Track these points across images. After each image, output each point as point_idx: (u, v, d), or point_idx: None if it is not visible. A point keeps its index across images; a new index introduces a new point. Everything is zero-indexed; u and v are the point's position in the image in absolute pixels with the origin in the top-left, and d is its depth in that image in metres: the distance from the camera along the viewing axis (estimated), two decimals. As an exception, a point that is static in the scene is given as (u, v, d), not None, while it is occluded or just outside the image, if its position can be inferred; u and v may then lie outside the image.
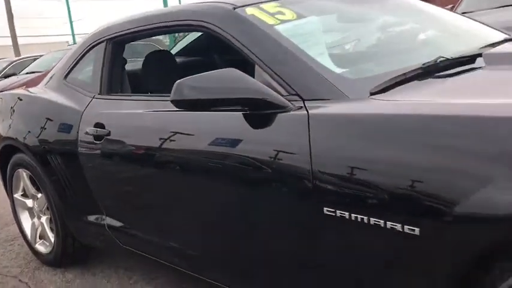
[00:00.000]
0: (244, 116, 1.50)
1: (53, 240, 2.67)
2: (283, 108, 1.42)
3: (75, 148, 2.24)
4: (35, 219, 2.79)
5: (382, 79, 1.39)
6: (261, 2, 1.77)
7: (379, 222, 1.17)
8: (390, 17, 2.09)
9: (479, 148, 1.05)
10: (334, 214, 1.26)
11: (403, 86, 1.40)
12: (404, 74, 1.41)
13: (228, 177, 1.58)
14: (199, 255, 1.87)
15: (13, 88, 6.08)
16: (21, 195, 2.82)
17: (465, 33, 2.03)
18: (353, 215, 1.22)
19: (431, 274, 1.12)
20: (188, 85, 1.45)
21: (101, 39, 2.27)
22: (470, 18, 2.39)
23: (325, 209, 1.28)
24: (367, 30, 1.93)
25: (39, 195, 2.68)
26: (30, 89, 2.81)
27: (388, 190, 1.15)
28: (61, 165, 2.38)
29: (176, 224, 1.92)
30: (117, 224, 2.20)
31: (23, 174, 2.68)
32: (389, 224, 1.15)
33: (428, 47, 1.85)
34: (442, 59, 1.48)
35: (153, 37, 9.51)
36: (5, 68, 11.53)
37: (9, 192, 2.88)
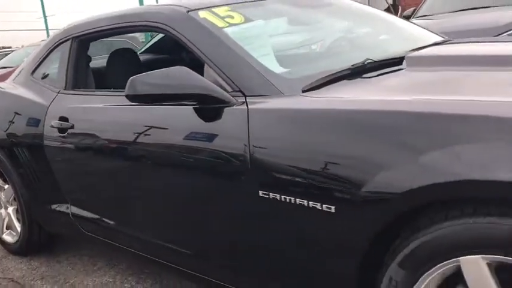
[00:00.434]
0: (194, 109, 1.66)
1: (19, 230, 2.77)
2: (227, 103, 1.58)
3: (41, 141, 2.36)
4: (2, 210, 2.89)
5: (314, 78, 1.57)
6: (214, 6, 1.93)
7: (303, 202, 1.35)
8: (334, 20, 2.28)
9: (384, 138, 1.22)
10: (268, 196, 1.43)
11: (334, 84, 1.58)
12: (333, 74, 1.59)
13: (178, 166, 1.73)
14: (155, 240, 2.01)
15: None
16: (-12, 187, 2.92)
17: (401, 36, 2.22)
18: (283, 196, 1.39)
19: (345, 246, 1.30)
20: (141, 81, 1.60)
21: (67, 38, 2.40)
22: (411, 22, 2.60)
23: (260, 192, 1.45)
24: (311, 33, 2.11)
25: (6, 186, 2.78)
26: (-2, 84, 2.90)
27: (311, 174, 1.33)
28: (28, 157, 2.50)
29: (134, 211, 2.06)
30: (81, 212, 2.33)
31: (-10, 166, 2.78)
32: (311, 204, 1.33)
33: (366, 49, 2.03)
34: (369, 61, 1.67)
35: (129, 34, 9.50)
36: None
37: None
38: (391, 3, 8.33)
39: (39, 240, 2.78)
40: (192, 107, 1.66)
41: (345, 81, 1.61)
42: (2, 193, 2.85)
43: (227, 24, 1.81)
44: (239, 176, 1.51)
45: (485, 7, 4.92)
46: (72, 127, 2.19)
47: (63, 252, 2.84)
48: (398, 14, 6.50)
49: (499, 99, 1.21)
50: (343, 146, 1.29)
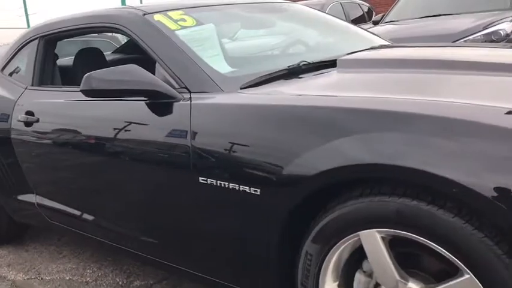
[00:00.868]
0: (146, 104, 1.82)
1: (-12, 220, 2.89)
2: (174, 99, 1.74)
3: (8, 134, 2.50)
4: (-28, 201, 3.00)
5: (252, 77, 1.74)
6: (169, 10, 2.09)
7: (235, 186, 1.51)
8: (286, 25, 2.45)
9: (302, 127, 1.40)
10: (206, 182, 1.60)
11: (271, 83, 1.75)
12: (270, 74, 1.77)
13: (133, 158, 1.89)
14: (114, 226, 2.15)
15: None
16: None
17: (347, 40, 2.41)
18: (218, 182, 1.56)
19: (269, 224, 1.47)
20: (95, 77, 1.76)
21: (35, 37, 2.53)
22: (361, 28, 2.79)
23: (200, 178, 1.61)
24: (264, 37, 2.29)
25: (-24, 178, 2.90)
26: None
27: (241, 161, 1.50)
28: (-4, 149, 2.63)
29: (95, 200, 2.20)
30: (46, 202, 2.47)
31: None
32: (241, 188, 1.49)
33: (313, 52, 2.22)
34: (304, 62, 1.85)
35: (109, 34, 9.58)
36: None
37: None
38: (366, 10, 8.56)
39: (8, 230, 2.90)
40: (144, 102, 1.82)
41: (281, 80, 1.79)
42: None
43: (179, 27, 1.98)
44: (183, 164, 1.67)
45: (447, 14, 5.15)
46: (37, 121, 2.33)
47: (32, 242, 2.97)
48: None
49: (403, 97, 1.39)
50: (267, 135, 1.46)
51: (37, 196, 2.51)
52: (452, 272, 1.19)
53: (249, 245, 1.57)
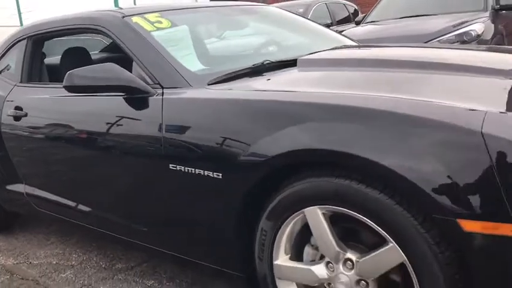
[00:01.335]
0: (124, 99, 1.99)
1: (-20, 209, 3.06)
2: (148, 94, 1.92)
3: (-1, 128, 2.67)
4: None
5: (219, 75, 1.93)
6: (146, 13, 2.27)
7: (200, 172, 1.70)
8: (259, 26, 2.64)
9: (257, 117, 1.58)
10: (175, 168, 1.78)
11: (236, 79, 1.94)
12: (235, 71, 1.95)
13: (113, 148, 2.06)
14: (98, 212, 2.33)
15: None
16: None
17: (315, 41, 2.59)
18: (186, 168, 1.74)
19: (231, 204, 1.65)
20: (77, 74, 1.94)
21: (23, 37, 2.71)
22: (331, 29, 2.97)
23: (170, 165, 1.79)
24: (231, 37, 2.47)
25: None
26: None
27: (205, 149, 1.68)
28: (-13, 143, 2.79)
29: (80, 188, 2.38)
30: (33, 190, 2.64)
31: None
32: (206, 173, 1.68)
33: (283, 51, 2.41)
34: (267, 61, 2.03)
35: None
36: None
37: None
38: (352, 11, 8.74)
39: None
40: (121, 97, 2.00)
41: (246, 77, 1.97)
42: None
43: (155, 28, 2.16)
44: (156, 153, 1.85)
45: (425, 15, 5.35)
46: (26, 115, 2.50)
47: (21, 230, 3.14)
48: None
49: (350, 93, 1.58)
50: (228, 125, 1.65)
51: (26, 186, 2.68)
52: (382, 243, 1.38)
53: (214, 224, 1.76)
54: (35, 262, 2.67)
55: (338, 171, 1.41)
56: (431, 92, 1.58)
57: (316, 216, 1.47)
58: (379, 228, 1.34)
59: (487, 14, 5.08)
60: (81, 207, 2.38)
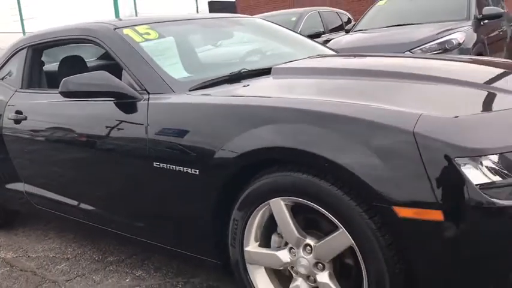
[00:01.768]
0: (114, 104, 2.20)
1: (-17, 207, 3.26)
2: (136, 99, 2.12)
3: (1, 131, 2.87)
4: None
5: (199, 81, 2.13)
6: (137, 25, 2.48)
7: (180, 168, 1.89)
8: (239, 35, 2.85)
9: (231, 119, 1.78)
10: (159, 166, 1.98)
11: (216, 86, 2.14)
12: (214, 79, 2.16)
13: (105, 148, 2.27)
14: (91, 207, 2.52)
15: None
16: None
17: (290, 49, 2.80)
18: (168, 165, 1.94)
19: (207, 197, 1.85)
20: (71, 81, 2.14)
21: (23, 46, 2.92)
22: (311, 39, 3.18)
23: (154, 163, 1.99)
24: (214, 47, 2.68)
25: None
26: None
27: (184, 147, 1.88)
28: (-10, 145, 3.00)
29: (75, 186, 2.58)
30: (32, 189, 2.84)
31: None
32: (185, 169, 1.88)
33: (264, 60, 2.61)
34: (244, 70, 2.24)
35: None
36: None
37: None
38: (346, 20, 8.95)
39: (0, 217, 3.26)
40: (112, 102, 2.20)
41: (225, 84, 2.18)
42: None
43: (143, 39, 2.37)
44: (142, 152, 2.05)
45: (411, 24, 5.57)
46: (25, 119, 2.70)
47: (21, 227, 3.34)
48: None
49: (313, 98, 1.78)
50: (205, 127, 1.85)
51: (25, 185, 2.88)
52: (334, 229, 1.58)
53: (193, 216, 1.96)
54: (33, 255, 2.86)
55: (297, 167, 1.61)
56: (386, 98, 1.78)
57: (279, 206, 1.67)
58: (331, 216, 1.54)
59: (470, 23, 5.28)
60: (76, 203, 2.58)
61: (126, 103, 2.15)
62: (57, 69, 3.13)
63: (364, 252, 1.50)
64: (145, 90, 2.14)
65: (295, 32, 3.19)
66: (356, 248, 1.51)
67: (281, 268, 1.77)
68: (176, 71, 2.29)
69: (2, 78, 3.07)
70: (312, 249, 1.65)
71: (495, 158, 1.41)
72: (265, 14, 8.11)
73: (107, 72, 2.16)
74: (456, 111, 1.55)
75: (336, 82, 2.06)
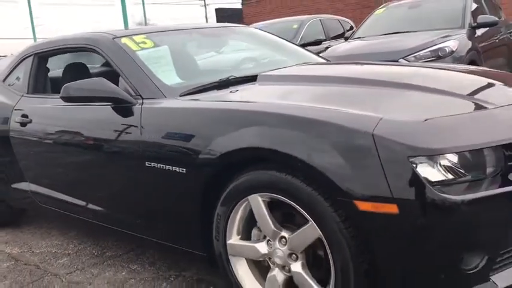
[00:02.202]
0: (112, 108, 2.37)
1: (-9, 206, 3.45)
2: (131, 103, 2.29)
3: (8, 133, 3.06)
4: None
5: (190, 87, 2.30)
6: (134, 34, 2.66)
7: (170, 168, 2.06)
8: (231, 43, 3.01)
9: (213, 121, 1.95)
10: (150, 166, 2.14)
11: (204, 92, 2.31)
12: (204, 85, 2.32)
13: (104, 150, 2.44)
14: (93, 206, 2.68)
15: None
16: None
17: (281, 57, 2.96)
18: (159, 164, 2.11)
19: (193, 194, 2.01)
20: (71, 87, 2.32)
21: (29, 54, 3.11)
22: (302, 47, 3.34)
23: (146, 163, 2.16)
24: (207, 55, 2.85)
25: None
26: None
27: (173, 148, 2.05)
28: (-2, 147, 3.19)
29: (77, 185, 2.75)
30: (37, 188, 3.01)
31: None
32: (174, 168, 2.04)
33: (256, 68, 2.77)
34: (232, 77, 2.41)
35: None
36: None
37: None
38: (348, 28, 9.10)
39: (6, 215, 3.45)
40: (110, 106, 2.37)
41: (214, 90, 2.34)
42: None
43: (140, 48, 2.54)
44: (136, 153, 2.22)
45: (406, 32, 5.71)
46: (30, 122, 2.89)
47: (26, 225, 3.52)
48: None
49: (293, 104, 1.94)
50: (192, 129, 2.01)
51: (30, 184, 3.06)
52: (305, 222, 1.73)
53: (182, 212, 2.12)
54: (37, 251, 3.04)
55: (273, 165, 1.77)
56: (359, 103, 1.93)
57: (257, 202, 1.82)
58: (302, 210, 1.69)
59: (464, 31, 5.42)
60: (78, 202, 2.75)
61: (123, 107, 2.32)
62: (61, 75, 3.33)
63: (331, 244, 1.65)
64: (140, 95, 2.31)
65: (289, 41, 3.35)
66: (324, 240, 1.66)
67: (260, 259, 1.92)
68: (169, 77, 2.46)
69: (10, 84, 3.26)
70: (286, 241, 1.80)
71: (453, 157, 1.56)
72: (267, 21, 8.29)
73: (104, 79, 2.33)
74: (419, 115, 1.69)
75: (316, 89, 2.21)
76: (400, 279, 1.58)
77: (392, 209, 1.51)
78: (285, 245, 1.81)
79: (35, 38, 29.59)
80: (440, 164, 1.54)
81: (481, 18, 5.62)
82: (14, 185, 3.17)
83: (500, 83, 2.29)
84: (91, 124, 2.50)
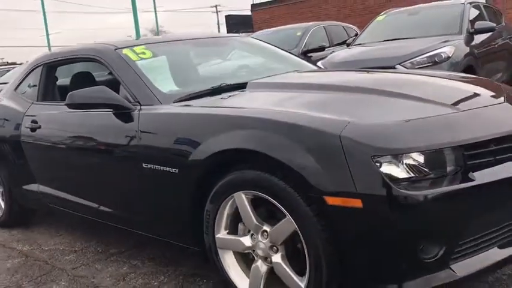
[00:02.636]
0: (113, 114, 2.56)
1: (3, 207, 3.67)
2: (130, 110, 2.48)
3: (19, 138, 3.27)
4: (-10, 193, 3.78)
5: (182, 94, 2.49)
6: (135, 45, 2.86)
7: (164, 168, 2.24)
8: (233, 54, 3.20)
9: (202, 126, 2.13)
10: (147, 167, 2.33)
11: (197, 98, 2.49)
12: (197, 92, 2.51)
13: (106, 152, 2.63)
14: (97, 206, 2.88)
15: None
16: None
17: (275, 65, 3.14)
18: (155, 166, 2.29)
19: (185, 193, 2.18)
20: (76, 95, 2.52)
21: (39, 64, 3.33)
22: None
23: (143, 164, 2.34)
24: (202, 64, 3.03)
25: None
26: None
27: (167, 150, 2.23)
28: (10, 151, 3.41)
29: (83, 186, 2.95)
30: (46, 189, 3.22)
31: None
32: (167, 169, 2.22)
33: (243, 76, 2.95)
34: (224, 84, 2.59)
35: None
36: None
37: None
38: (353, 35, 9.23)
39: (18, 215, 3.67)
40: (111, 112, 2.57)
41: (207, 96, 2.53)
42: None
43: (139, 58, 2.74)
44: (134, 155, 2.41)
45: (405, 38, 5.85)
46: (40, 127, 3.10)
47: (36, 225, 3.73)
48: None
49: (275, 109, 2.10)
50: (184, 132, 2.19)
51: (40, 185, 3.27)
52: (283, 217, 1.89)
53: (176, 210, 2.29)
54: (46, 248, 3.24)
55: (255, 165, 1.94)
56: (336, 108, 2.09)
57: (241, 198, 1.99)
58: (280, 205, 1.86)
59: (462, 37, 5.54)
60: (84, 202, 2.94)
61: (123, 113, 2.51)
62: (68, 83, 3.54)
63: (305, 236, 1.81)
64: (138, 102, 2.50)
65: (283, 49, 3.52)
66: (299, 232, 1.83)
67: (245, 251, 2.09)
68: (166, 85, 2.65)
69: (21, 93, 3.48)
70: (268, 234, 1.97)
71: (417, 156, 1.71)
72: (272, 29, 8.48)
73: (106, 87, 2.53)
74: (389, 119, 1.85)
75: (300, 95, 2.37)
76: (366, 268, 1.74)
77: (357, 203, 1.67)
78: (266, 238, 1.97)
79: (49, 47, 30.15)
80: (404, 163, 1.70)
81: (479, 24, 5.74)
82: (25, 187, 3.38)
83: (479, 89, 2.41)
84: (94, 129, 2.70)
